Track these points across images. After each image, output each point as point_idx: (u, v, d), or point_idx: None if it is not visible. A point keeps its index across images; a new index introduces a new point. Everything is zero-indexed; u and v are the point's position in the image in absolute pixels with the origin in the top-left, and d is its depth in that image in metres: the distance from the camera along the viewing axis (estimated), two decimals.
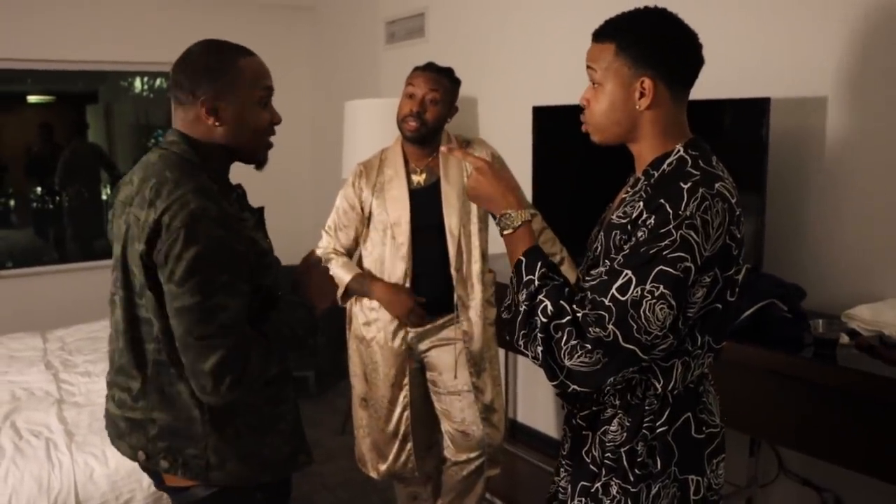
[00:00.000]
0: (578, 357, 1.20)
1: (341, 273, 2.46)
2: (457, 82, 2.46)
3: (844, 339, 2.02)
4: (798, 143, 2.40)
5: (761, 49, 2.49)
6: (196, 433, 1.48)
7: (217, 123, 1.46)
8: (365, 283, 2.45)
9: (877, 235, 2.24)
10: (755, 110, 2.28)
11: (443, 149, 1.61)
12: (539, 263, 1.31)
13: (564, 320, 1.22)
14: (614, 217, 1.33)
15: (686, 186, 1.21)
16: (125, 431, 1.55)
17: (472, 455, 2.59)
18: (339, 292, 2.48)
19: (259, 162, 1.57)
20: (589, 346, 1.19)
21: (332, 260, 2.50)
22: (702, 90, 1.36)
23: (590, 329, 1.20)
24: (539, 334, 1.24)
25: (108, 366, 1.64)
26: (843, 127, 2.30)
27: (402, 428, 2.56)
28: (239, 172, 1.51)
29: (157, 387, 1.48)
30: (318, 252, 2.51)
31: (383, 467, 2.61)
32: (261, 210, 1.59)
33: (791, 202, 2.43)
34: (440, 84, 2.39)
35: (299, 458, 1.63)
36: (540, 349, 1.24)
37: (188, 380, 1.42)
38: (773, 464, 2.55)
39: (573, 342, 1.20)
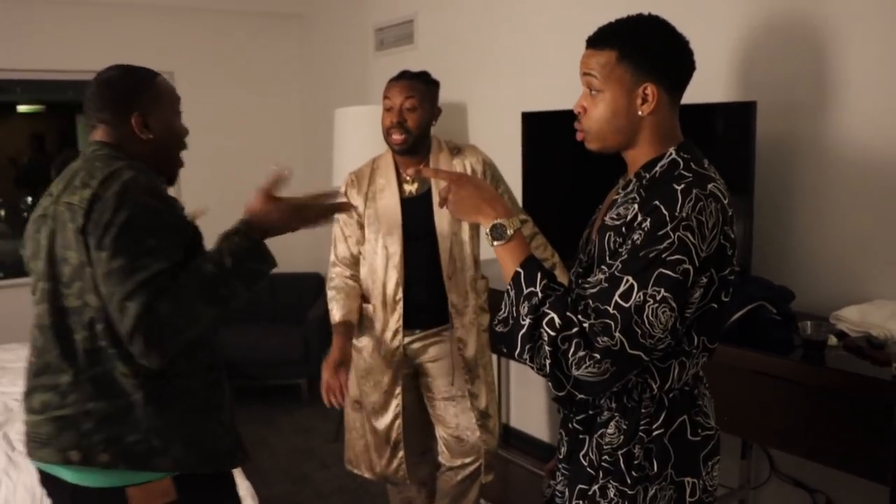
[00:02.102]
0: (587, 367, 1.19)
1: (335, 312, 2.45)
2: (433, 83, 2.46)
3: (833, 340, 2.04)
4: (786, 147, 2.43)
5: (749, 53, 2.52)
6: (136, 417, 1.48)
7: (151, 135, 1.61)
8: (335, 337, 2.40)
9: (864, 237, 2.27)
10: (742, 114, 2.30)
11: (410, 171, 1.56)
12: (539, 274, 1.28)
13: (573, 331, 1.20)
14: (607, 219, 1.33)
15: (680, 188, 1.23)
16: (52, 435, 1.49)
17: (468, 460, 2.59)
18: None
19: (174, 175, 1.72)
20: (598, 356, 1.18)
21: (334, 299, 2.48)
22: (689, 94, 1.38)
23: (598, 339, 1.19)
24: (547, 347, 1.22)
25: None
26: (831, 131, 2.33)
27: (394, 435, 2.55)
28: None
29: (91, 376, 1.48)
30: (332, 285, 2.50)
31: (377, 470, 2.61)
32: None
33: (779, 205, 2.46)
34: (415, 90, 2.37)
35: (237, 454, 1.64)
36: (548, 362, 1.22)
37: (127, 361, 1.45)
38: (765, 465, 2.57)
39: (581, 353, 1.19)
